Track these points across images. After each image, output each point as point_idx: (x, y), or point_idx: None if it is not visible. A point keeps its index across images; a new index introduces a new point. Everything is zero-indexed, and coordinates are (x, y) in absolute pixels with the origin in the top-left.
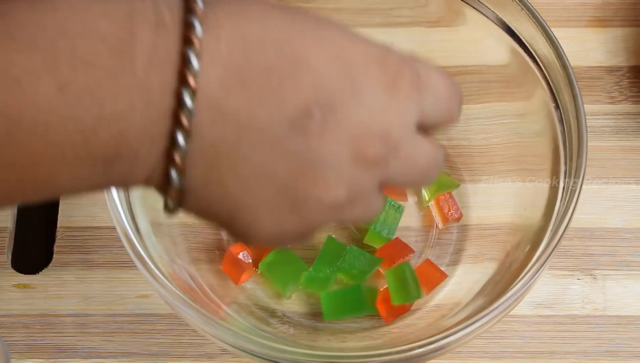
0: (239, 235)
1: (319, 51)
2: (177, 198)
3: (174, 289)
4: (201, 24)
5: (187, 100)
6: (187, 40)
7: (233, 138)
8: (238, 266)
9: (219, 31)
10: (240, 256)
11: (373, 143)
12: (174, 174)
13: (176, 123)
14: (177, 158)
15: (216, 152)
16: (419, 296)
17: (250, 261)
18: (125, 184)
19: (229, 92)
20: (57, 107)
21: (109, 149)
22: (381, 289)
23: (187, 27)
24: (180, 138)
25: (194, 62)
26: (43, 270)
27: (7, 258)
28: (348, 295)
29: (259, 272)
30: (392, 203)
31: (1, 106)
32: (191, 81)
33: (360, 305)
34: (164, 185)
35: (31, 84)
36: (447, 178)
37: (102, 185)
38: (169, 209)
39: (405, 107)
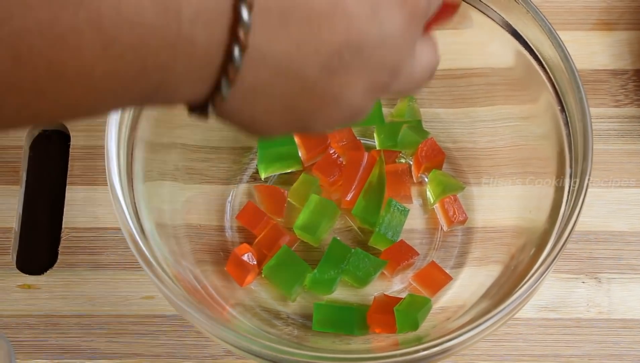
0: (257, 134)
1: None
2: (207, 119)
3: (178, 290)
4: None
5: (236, 54)
6: None
7: (271, 80)
8: (243, 268)
9: None
10: (245, 257)
11: (384, 75)
12: (211, 110)
13: (223, 73)
14: (218, 101)
15: (254, 92)
16: (416, 327)
17: (255, 262)
18: (161, 106)
19: (272, 38)
20: (100, 62)
21: (148, 92)
22: (376, 294)
23: None
24: (225, 87)
25: (245, 16)
26: (48, 271)
27: (12, 258)
28: (340, 314)
29: (263, 276)
30: (397, 205)
31: (45, 59)
32: (241, 35)
33: (349, 326)
34: (199, 109)
35: (75, 41)
36: (452, 180)
37: (140, 105)
38: (195, 117)
39: (415, 36)
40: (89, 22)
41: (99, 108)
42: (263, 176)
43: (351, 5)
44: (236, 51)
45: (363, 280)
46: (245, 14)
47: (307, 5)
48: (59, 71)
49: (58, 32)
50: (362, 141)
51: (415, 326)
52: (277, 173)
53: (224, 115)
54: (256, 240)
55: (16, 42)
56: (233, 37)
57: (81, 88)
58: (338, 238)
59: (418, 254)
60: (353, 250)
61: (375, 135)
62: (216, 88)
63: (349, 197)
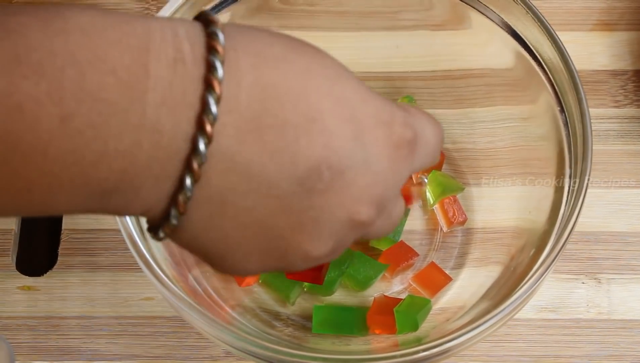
0: (223, 270)
1: (334, 110)
2: (170, 233)
3: (178, 291)
4: (223, 66)
5: (202, 146)
6: (208, 83)
7: (241, 188)
8: None
9: (240, 77)
10: None
11: (369, 209)
12: (174, 214)
13: (186, 168)
14: (181, 200)
15: (222, 200)
16: (415, 328)
17: None
18: (120, 214)
19: (243, 143)
20: (58, 138)
21: (108, 184)
22: (376, 296)
23: (208, 69)
24: (188, 183)
25: (213, 108)
26: (48, 273)
27: (12, 260)
28: (340, 315)
29: (260, 282)
30: None
31: (0, 129)
32: (208, 128)
33: (350, 327)
34: (160, 220)
35: (33, 112)
36: (452, 181)
37: (97, 212)
38: (156, 237)
39: (402, 172)
40: (49, 94)
41: (54, 202)
42: None
43: (331, 122)
44: (201, 143)
45: (363, 284)
46: (213, 105)
47: (281, 115)
48: (13, 144)
49: (16, 102)
50: None
51: (415, 327)
52: None
53: (188, 229)
54: None
55: None
56: (199, 127)
57: (35, 168)
58: None
59: (418, 255)
60: (354, 253)
61: None
62: (180, 187)
63: None
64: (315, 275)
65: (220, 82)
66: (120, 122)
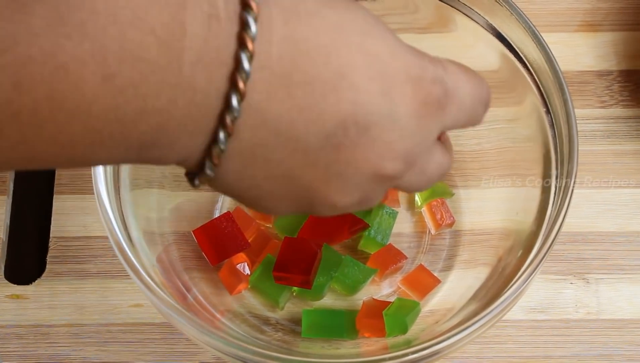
0: (258, 211)
1: (363, 66)
2: (205, 182)
3: (167, 298)
4: (256, 22)
5: (234, 103)
6: (241, 41)
7: (271, 143)
8: (236, 277)
9: (271, 33)
10: (239, 267)
11: (394, 163)
12: (208, 166)
13: (220, 124)
14: (215, 154)
15: (253, 153)
16: (405, 331)
17: (249, 273)
18: (156, 164)
19: (273, 98)
20: (100, 97)
21: (146, 138)
22: (365, 299)
23: (242, 26)
24: (222, 137)
25: (246, 66)
26: (36, 281)
27: (0, 269)
28: (329, 319)
29: (249, 287)
30: (386, 208)
31: (46, 88)
32: (241, 85)
33: (339, 330)
34: (196, 170)
35: (77, 72)
36: (441, 184)
37: (134, 162)
38: (192, 184)
39: (430, 128)
40: (92, 54)
41: (95, 154)
42: None
43: (359, 77)
44: (234, 100)
45: (352, 288)
46: (245, 62)
47: (311, 71)
48: (58, 102)
49: (61, 62)
50: None
51: (404, 330)
52: None
53: (222, 178)
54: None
55: (18, 69)
56: (232, 85)
57: (79, 125)
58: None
59: (406, 257)
60: (343, 257)
61: None
62: (214, 141)
63: None
64: (304, 280)
65: (253, 39)
66: (158, 80)
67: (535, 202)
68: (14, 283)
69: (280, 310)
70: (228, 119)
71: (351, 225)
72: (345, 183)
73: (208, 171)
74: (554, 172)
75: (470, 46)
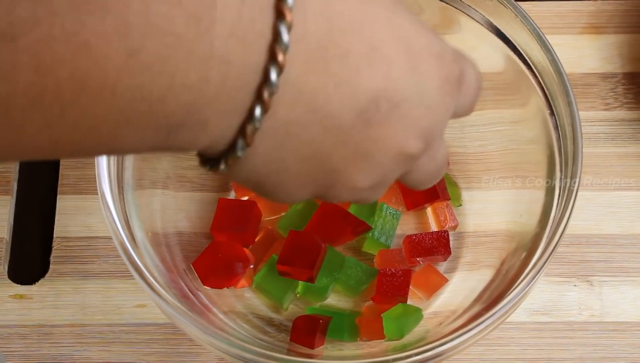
0: (274, 200)
1: (393, 40)
2: (232, 165)
3: (170, 298)
4: None
5: (274, 77)
6: (279, 12)
7: (306, 120)
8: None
9: (307, 6)
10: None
11: (417, 142)
12: (240, 146)
13: (257, 98)
14: (249, 132)
15: (287, 131)
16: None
17: (252, 266)
18: (186, 150)
19: (310, 73)
20: (125, 75)
21: (175, 118)
22: (367, 304)
23: None
24: (258, 113)
25: (285, 37)
26: (40, 281)
27: (3, 269)
28: (332, 320)
29: (253, 287)
30: (389, 209)
31: (68, 68)
32: (280, 57)
33: (340, 333)
34: (224, 152)
35: (100, 49)
36: (454, 190)
37: (163, 150)
38: (214, 170)
39: (449, 106)
40: (115, 29)
41: (122, 138)
42: None
43: (390, 51)
44: (273, 73)
45: (355, 289)
46: (284, 34)
47: (345, 44)
48: (81, 82)
49: (83, 39)
50: None
51: (400, 334)
52: None
53: (250, 161)
54: (251, 246)
55: (41, 49)
56: (271, 57)
57: (104, 105)
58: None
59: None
60: (346, 259)
61: None
62: (249, 118)
63: None
64: (308, 274)
65: (290, 9)
66: (187, 55)
67: (539, 204)
68: (18, 283)
69: (284, 311)
70: (266, 94)
71: (354, 226)
72: (371, 162)
73: (239, 153)
74: (558, 174)
75: (475, 48)
